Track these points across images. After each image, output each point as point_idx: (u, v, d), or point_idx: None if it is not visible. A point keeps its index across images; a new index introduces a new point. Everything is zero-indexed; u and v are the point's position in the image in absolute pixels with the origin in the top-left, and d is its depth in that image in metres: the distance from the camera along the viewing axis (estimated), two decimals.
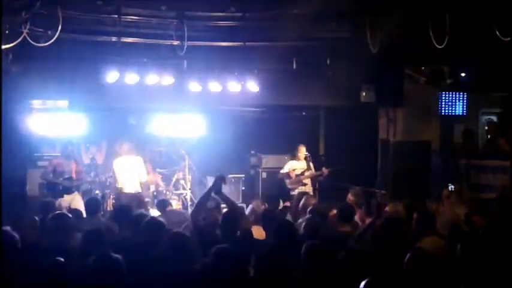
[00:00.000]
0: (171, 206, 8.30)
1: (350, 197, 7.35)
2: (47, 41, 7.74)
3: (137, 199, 8.68)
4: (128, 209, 6.72)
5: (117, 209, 8.36)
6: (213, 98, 10.49)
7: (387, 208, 6.44)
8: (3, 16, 6.50)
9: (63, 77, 9.62)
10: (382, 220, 5.81)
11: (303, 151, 10.72)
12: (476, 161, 9.62)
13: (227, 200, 6.13)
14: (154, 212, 9.32)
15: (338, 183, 10.08)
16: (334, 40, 9.43)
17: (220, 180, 5.92)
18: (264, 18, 8.86)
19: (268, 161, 11.90)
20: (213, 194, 6.02)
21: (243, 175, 11.77)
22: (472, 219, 6.36)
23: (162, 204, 8.03)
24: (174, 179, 11.32)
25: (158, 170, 11.00)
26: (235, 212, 5.65)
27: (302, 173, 10.64)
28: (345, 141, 11.34)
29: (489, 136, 10.74)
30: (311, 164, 10.69)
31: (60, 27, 7.51)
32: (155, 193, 10.70)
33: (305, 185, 10.60)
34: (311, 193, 10.02)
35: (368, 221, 6.33)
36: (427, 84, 10.58)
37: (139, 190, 9.96)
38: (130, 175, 9.95)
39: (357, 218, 6.66)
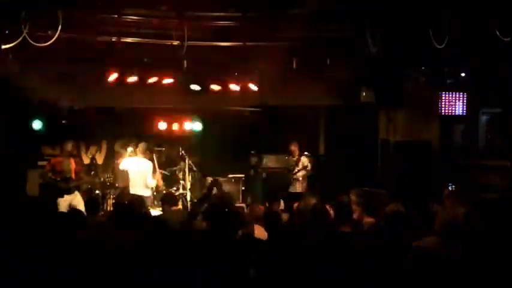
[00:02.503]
0: (176, 205, 8.09)
1: (352, 196, 7.33)
2: (47, 41, 7.74)
3: (140, 199, 8.56)
4: (128, 209, 6.70)
5: (117, 208, 8.34)
6: (213, 98, 10.49)
7: (387, 208, 6.42)
8: (3, 16, 6.52)
9: (63, 77, 9.63)
10: (384, 220, 5.81)
11: (292, 147, 10.84)
12: (476, 161, 9.63)
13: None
14: (155, 212, 9.34)
15: (338, 183, 10.07)
16: (334, 40, 9.43)
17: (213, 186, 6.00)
18: (264, 18, 8.87)
19: (268, 161, 11.90)
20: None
21: (243, 175, 11.77)
22: (472, 219, 6.35)
23: (169, 201, 7.63)
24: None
25: (158, 170, 10.98)
26: (234, 213, 5.64)
27: (294, 173, 10.79)
28: (345, 141, 11.34)
29: (489, 136, 10.74)
30: (302, 161, 10.69)
31: (60, 27, 7.52)
32: (155, 193, 10.69)
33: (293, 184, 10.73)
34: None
35: (367, 220, 6.32)
36: (427, 84, 10.57)
37: (147, 193, 9.93)
38: (141, 176, 9.89)
39: (355, 216, 6.65)
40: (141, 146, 9.88)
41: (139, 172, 9.73)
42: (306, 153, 10.76)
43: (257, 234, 5.75)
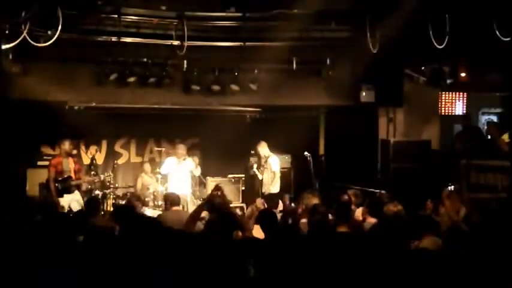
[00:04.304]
0: (179, 205, 8.02)
1: (343, 197, 7.36)
2: (47, 41, 7.74)
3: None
4: (128, 209, 6.71)
5: (117, 208, 8.34)
6: (213, 98, 10.49)
7: (387, 208, 6.43)
8: (3, 16, 6.52)
9: (63, 77, 9.63)
10: (384, 221, 5.83)
11: (259, 149, 10.86)
12: (476, 161, 9.61)
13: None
14: (155, 212, 9.34)
15: (336, 183, 10.08)
16: (334, 40, 9.44)
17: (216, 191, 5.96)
18: (264, 18, 8.87)
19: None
20: None
21: (243, 175, 11.76)
22: (472, 219, 6.36)
23: (172, 201, 7.42)
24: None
25: (158, 170, 10.99)
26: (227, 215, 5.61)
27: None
28: (345, 141, 11.33)
29: (489, 136, 10.72)
30: (269, 163, 10.69)
31: (60, 27, 7.52)
32: (155, 193, 10.68)
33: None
34: None
35: (370, 219, 6.33)
36: (427, 84, 10.57)
37: (189, 192, 9.99)
38: (183, 177, 10.02)
39: (359, 216, 6.67)
40: (181, 146, 10.37)
41: (181, 173, 10.17)
42: (271, 154, 10.74)
43: (256, 234, 5.76)
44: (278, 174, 10.76)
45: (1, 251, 4.55)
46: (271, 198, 10.23)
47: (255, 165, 10.99)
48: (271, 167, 10.66)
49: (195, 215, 5.93)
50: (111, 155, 11.75)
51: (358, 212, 6.80)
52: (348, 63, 9.98)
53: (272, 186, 10.64)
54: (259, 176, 10.84)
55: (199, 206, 6.14)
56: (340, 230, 5.67)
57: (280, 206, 10.00)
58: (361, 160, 10.94)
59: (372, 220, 6.39)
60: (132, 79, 9.73)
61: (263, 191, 10.68)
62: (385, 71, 10.15)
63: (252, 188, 11.58)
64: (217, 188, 6.04)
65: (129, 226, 5.49)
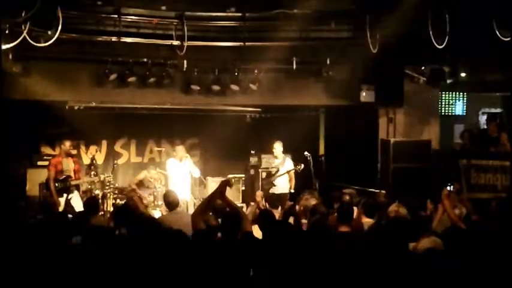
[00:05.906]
0: (180, 207, 7.92)
1: (345, 197, 7.35)
2: (47, 41, 7.75)
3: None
4: (128, 209, 6.70)
5: (117, 208, 8.33)
6: (213, 98, 10.50)
7: (389, 209, 6.43)
8: (3, 16, 6.52)
9: (63, 77, 9.64)
10: (387, 221, 5.83)
11: (277, 147, 10.51)
12: (476, 161, 9.62)
13: (230, 205, 5.96)
14: (156, 212, 9.33)
15: (336, 183, 10.07)
16: (334, 40, 9.45)
17: (225, 184, 5.86)
18: (264, 18, 8.89)
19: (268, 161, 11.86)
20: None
21: (243, 175, 11.75)
22: (472, 219, 6.36)
23: (172, 204, 7.23)
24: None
25: (158, 170, 10.98)
26: (235, 214, 5.60)
27: (275, 173, 10.46)
28: (345, 141, 11.32)
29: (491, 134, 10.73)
30: (288, 161, 10.44)
31: (60, 27, 7.53)
32: (155, 193, 10.68)
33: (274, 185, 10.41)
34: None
35: (365, 220, 6.33)
36: (427, 84, 10.58)
37: (189, 195, 9.91)
38: (184, 178, 9.94)
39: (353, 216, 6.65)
40: (181, 147, 10.09)
41: (182, 174, 9.94)
42: (285, 155, 10.60)
43: (255, 234, 5.75)
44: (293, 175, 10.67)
45: (1, 251, 4.55)
46: (282, 198, 10.10)
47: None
48: (290, 167, 10.53)
49: (204, 208, 5.80)
50: (111, 155, 11.74)
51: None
52: (348, 63, 9.98)
53: (286, 186, 10.54)
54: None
55: (206, 200, 6.01)
56: (341, 230, 5.67)
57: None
58: (361, 160, 10.93)
59: (367, 220, 6.38)
60: (132, 79, 9.74)
61: (272, 191, 10.51)
62: (385, 71, 10.15)
63: (252, 188, 11.57)
64: (227, 183, 5.90)
65: (129, 226, 5.50)
